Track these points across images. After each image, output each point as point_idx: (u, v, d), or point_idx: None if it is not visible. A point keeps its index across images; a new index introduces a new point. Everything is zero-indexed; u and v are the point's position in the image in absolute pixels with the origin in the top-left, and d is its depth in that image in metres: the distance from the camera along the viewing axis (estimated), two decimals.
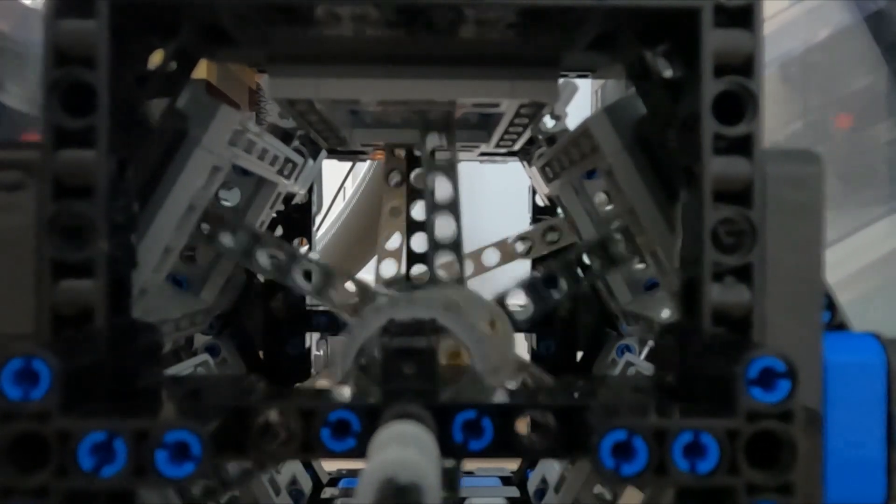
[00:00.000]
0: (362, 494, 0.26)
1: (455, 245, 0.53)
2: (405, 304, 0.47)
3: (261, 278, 0.73)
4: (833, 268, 0.37)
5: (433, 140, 0.54)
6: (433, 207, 0.53)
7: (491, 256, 0.79)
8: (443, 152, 0.54)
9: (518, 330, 0.56)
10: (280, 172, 0.63)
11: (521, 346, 0.85)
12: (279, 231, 0.80)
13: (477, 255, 0.79)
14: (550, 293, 0.57)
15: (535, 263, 0.83)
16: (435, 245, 0.54)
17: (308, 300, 0.79)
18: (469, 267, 0.78)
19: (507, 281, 0.60)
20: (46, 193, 0.35)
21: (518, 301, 0.57)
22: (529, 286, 0.57)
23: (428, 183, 0.54)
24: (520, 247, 0.79)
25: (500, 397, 0.40)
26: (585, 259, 0.57)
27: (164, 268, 0.49)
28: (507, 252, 0.79)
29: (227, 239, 0.57)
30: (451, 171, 0.54)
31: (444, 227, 0.53)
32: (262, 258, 0.58)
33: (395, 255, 0.73)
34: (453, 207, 0.53)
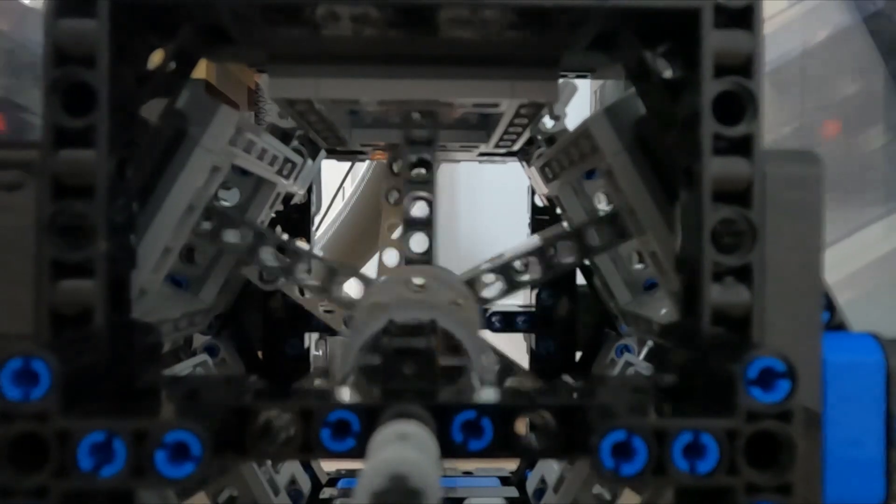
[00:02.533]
0: (361, 494, 0.26)
1: (427, 223, 0.54)
2: (405, 305, 0.47)
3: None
4: (832, 268, 0.37)
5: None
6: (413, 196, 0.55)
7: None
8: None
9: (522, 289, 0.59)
10: (279, 172, 0.63)
11: (521, 346, 0.85)
12: (278, 231, 0.80)
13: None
14: (559, 260, 0.58)
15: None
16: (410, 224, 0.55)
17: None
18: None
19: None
20: (46, 193, 0.35)
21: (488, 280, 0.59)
22: (538, 252, 0.58)
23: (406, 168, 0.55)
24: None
25: (499, 397, 0.40)
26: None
27: (163, 268, 0.49)
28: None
29: (231, 236, 0.58)
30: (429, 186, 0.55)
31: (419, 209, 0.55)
32: (266, 256, 0.58)
33: (397, 244, 0.73)
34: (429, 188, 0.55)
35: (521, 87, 0.45)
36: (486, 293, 0.59)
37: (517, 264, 0.59)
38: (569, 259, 0.59)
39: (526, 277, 0.59)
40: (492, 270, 0.59)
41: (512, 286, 0.59)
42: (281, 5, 0.37)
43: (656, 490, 0.45)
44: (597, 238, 0.58)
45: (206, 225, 0.56)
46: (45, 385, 0.31)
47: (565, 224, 0.67)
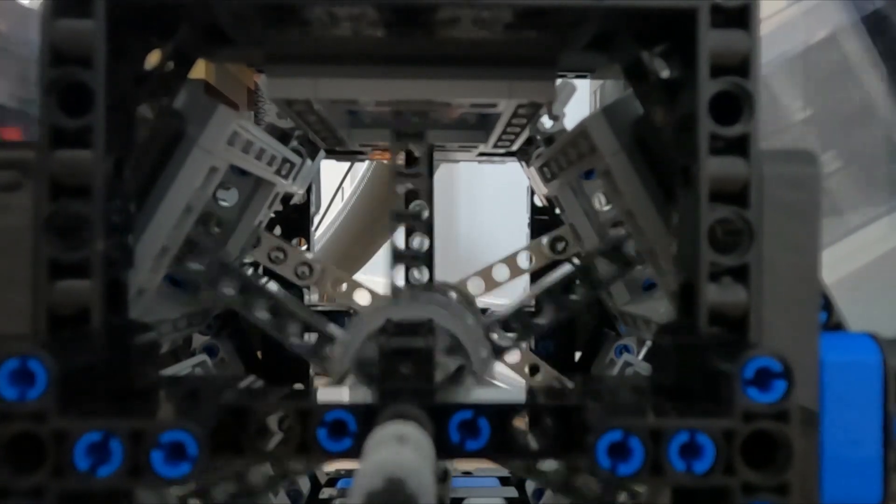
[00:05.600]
0: (356, 494, 0.26)
1: (417, 217, 0.55)
2: (402, 304, 0.47)
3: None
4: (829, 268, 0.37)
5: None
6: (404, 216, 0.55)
7: (501, 272, 0.78)
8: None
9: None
10: (278, 173, 0.63)
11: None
12: (277, 231, 0.80)
13: (488, 271, 0.78)
14: (570, 299, 0.58)
15: (534, 278, 0.82)
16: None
17: (306, 299, 0.79)
18: (479, 285, 0.78)
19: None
20: (43, 193, 0.35)
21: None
22: (548, 294, 0.58)
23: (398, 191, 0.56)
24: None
25: (497, 397, 0.40)
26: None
27: (161, 268, 0.49)
28: (515, 266, 0.78)
29: (228, 289, 0.59)
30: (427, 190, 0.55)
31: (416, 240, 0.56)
32: (261, 313, 0.60)
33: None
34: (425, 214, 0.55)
35: (518, 88, 0.45)
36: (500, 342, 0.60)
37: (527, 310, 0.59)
38: (579, 297, 0.59)
39: (542, 321, 0.59)
40: (505, 318, 0.59)
41: (526, 332, 0.60)
42: (279, 6, 0.37)
43: (653, 490, 0.45)
44: (604, 270, 0.59)
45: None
46: (41, 385, 0.31)
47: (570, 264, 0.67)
